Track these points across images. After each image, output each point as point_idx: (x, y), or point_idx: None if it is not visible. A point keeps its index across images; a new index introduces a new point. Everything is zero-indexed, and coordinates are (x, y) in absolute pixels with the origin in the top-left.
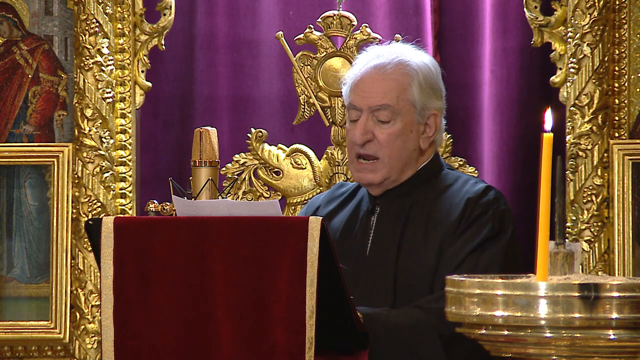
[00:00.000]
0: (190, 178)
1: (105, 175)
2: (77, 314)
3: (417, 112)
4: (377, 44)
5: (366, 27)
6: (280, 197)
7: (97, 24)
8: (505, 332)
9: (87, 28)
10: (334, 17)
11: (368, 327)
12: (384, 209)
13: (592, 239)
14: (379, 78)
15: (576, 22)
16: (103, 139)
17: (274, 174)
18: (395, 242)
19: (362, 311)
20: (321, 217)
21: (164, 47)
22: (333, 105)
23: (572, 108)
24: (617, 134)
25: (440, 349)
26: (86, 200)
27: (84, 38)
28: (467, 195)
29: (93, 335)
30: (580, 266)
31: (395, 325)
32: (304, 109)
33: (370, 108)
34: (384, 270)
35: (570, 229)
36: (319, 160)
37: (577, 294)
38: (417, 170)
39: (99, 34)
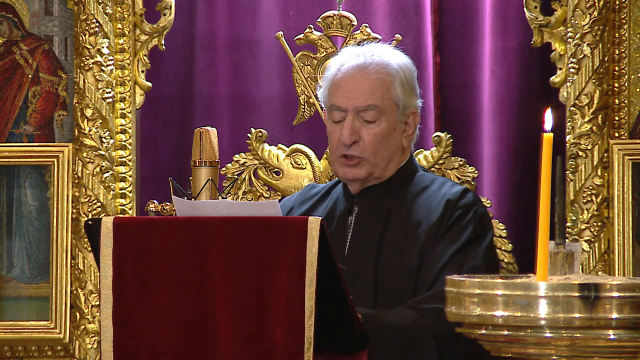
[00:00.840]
0: (190, 178)
1: (105, 175)
2: (77, 314)
3: (399, 111)
4: (359, 45)
5: (366, 27)
6: (280, 197)
7: (97, 24)
8: (505, 332)
9: (87, 28)
10: (334, 17)
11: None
12: (362, 209)
13: (592, 239)
14: (362, 78)
15: (576, 22)
16: (103, 139)
17: (274, 174)
18: (375, 243)
19: (358, 311)
20: (321, 217)
21: (164, 47)
22: None
23: (572, 108)
24: (617, 134)
25: (434, 350)
26: (86, 200)
27: (84, 38)
28: (446, 197)
29: (93, 335)
30: (580, 266)
31: (391, 326)
32: (304, 109)
33: (356, 109)
34: (364, 270)
35: (570, 229)
36: (319, 160)
37: (577, 294)
38: (396, 170)
39: (99, 34)
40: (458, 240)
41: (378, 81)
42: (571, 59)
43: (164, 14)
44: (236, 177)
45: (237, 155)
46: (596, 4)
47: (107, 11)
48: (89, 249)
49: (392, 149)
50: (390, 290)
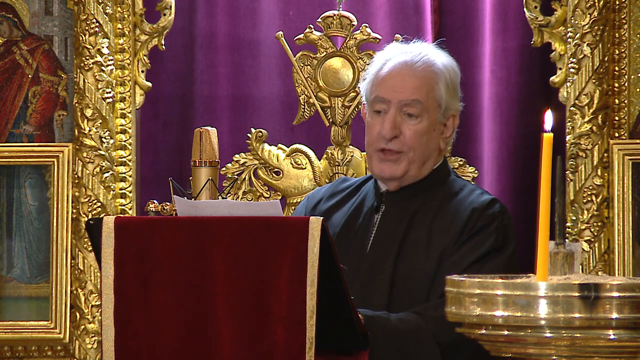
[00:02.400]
0: (190, 178)
1: (105, 175)
2: (77, 314)
3: (441, 111)
4: (405, 43)
5: (366, 27)
6: (280, 197)
7: (97, 24)
8: (505, 332)
9: (87, 28)
10: (334, 17)
11: (367, 329)
12: (389, 208)
13: (592, 239)
14: (409, 74)
15: (576, 22)
16: (103, 139)
17: (274, 174)
18: (397, 243)
19: (362, 313)
20: (322, 218)
21: (164, 47)
22: (333, 105)
23: (572, 108)
24: (617, 134)
25: (437, 357)
26: (86, 200)
27: (84, 38)
28: (473, 205)
29: (93, 335)
30: (580, 266)
31: (394, 330)
32: (304, 109)
33: (401, 102)
34: (382, 269)
35: (570, 229)
36: (319, 160)
37: (577, 294)
38: (429, 172)
39: (99, 34)
40: (478, 250)
41: (424, 78)
42: (571, 59)
43: (164, 14)
44: (236, 177)
45: (237, 155)
46: (596, 4)
47: (107, 11)
48: (89, 249)
49: (430, 148)
50: (405, 292)
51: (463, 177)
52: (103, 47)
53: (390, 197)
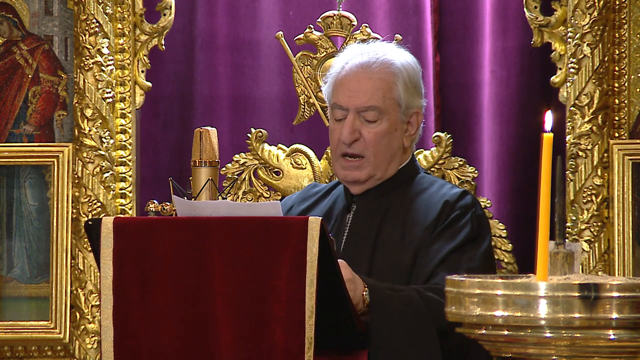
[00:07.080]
0: (190, 178)
1: (105, 175)
2: (77, 314)
3: (401, 110)
4: (365, 43)
5: (366, 27)
6: (280, 197)
7: (97, 24)
8: (505, 332)
9: (87, 28)
10: (334, 17)
11: (372, 299)
12: (360, 208)
13: (592, 239)
14: (365, 77)
15: (576, 22)
16: (103, 139)
17: (274, 174)
18: (371, 241)
19: (366, 281)
20: (320, 218)
21: (164, 47)
22: None
23: (572, 108)
24: (617, 134)
25: (435, 339)
26: (86, 200)
27: (84, 38)
28: (445, 197)
29: (93, 335)
30: (580, 266)
31: (395, 303)
32: (304, 109)
33: (357, 108)
34: (358, 267)
35: (570, 229)
36: (319, 160)
37: (577, 294)
38: (397, 170)
39: (99, 34)
40: (455, 240)
41: (380, 81)
42: (571, 59)
43: (164, 14)
44: (236, 177)
45: (237, 155)
46: (596, 4)
47: (107, 11)
48: (89, 249)
49: (393, 148)
50: None
51: (463, 177)
52: (103, 47)
53: (361, 197)
